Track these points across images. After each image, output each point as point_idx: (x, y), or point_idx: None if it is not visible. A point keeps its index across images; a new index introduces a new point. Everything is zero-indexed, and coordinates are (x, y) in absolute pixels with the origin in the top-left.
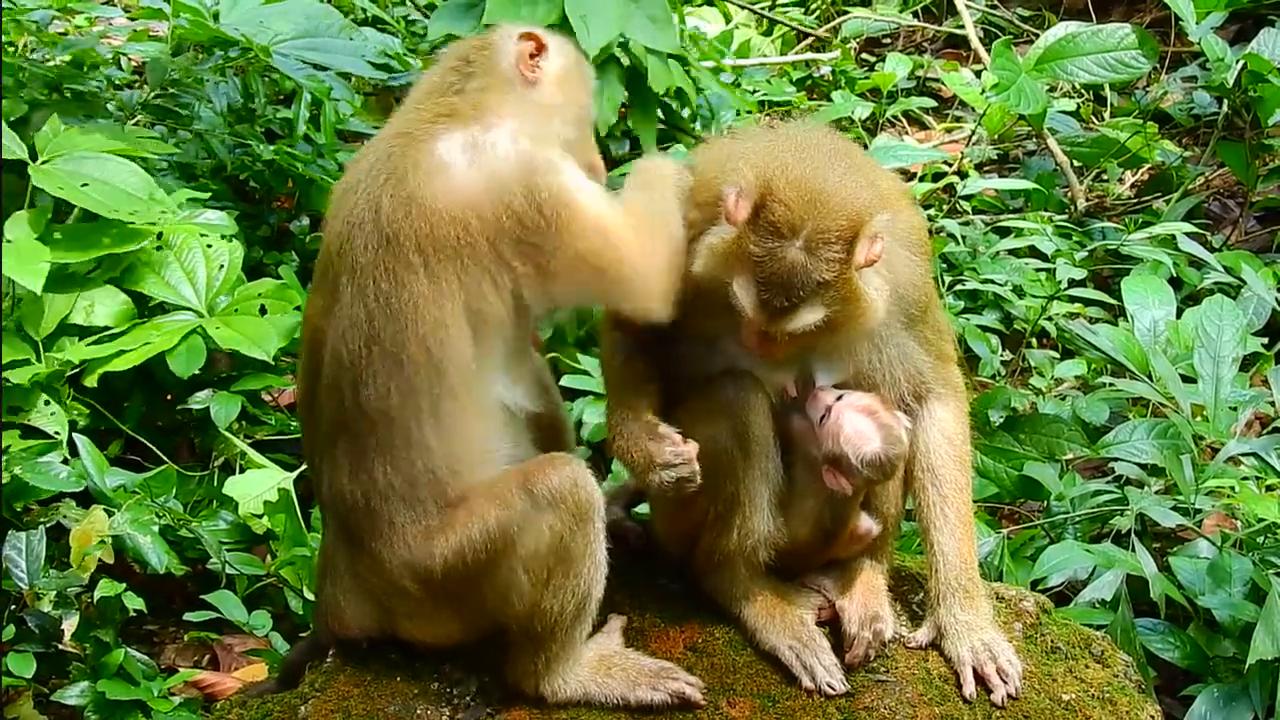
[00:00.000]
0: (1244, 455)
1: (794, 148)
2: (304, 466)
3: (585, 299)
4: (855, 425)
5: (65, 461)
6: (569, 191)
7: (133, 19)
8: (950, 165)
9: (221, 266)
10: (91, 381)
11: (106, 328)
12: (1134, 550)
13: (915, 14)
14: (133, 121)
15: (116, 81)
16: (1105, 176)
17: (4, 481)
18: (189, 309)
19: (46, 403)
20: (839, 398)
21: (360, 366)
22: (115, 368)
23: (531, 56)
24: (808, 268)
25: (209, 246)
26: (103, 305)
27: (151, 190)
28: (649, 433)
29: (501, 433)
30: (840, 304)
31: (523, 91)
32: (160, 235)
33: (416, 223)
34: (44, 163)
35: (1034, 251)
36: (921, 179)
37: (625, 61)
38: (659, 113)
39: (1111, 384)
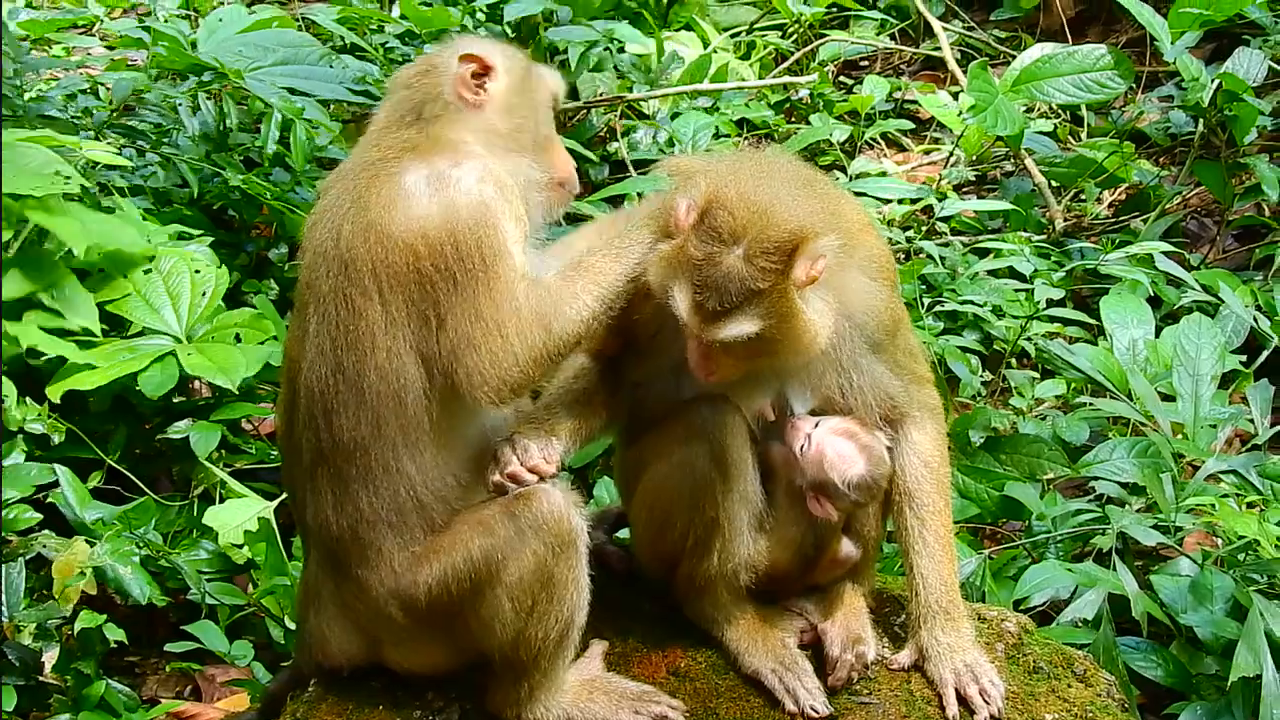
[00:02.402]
0: (1224, 473)
1: (754, 167)
2: (284, 495)
3: (449, 361)
4: (837, 449)
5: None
6: (505, 252)
7: (110, 48)
8: (929, 186)
9: (204, 294)
10: (55, 395)
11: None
12: (1115, 569)
13: (892, 37)
14: (106, 142)
15: (94, 110)
16: (1083, 196)
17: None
18: (166, 334)
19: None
20: (817, 424)
21: (330, 396)
22: (83, 385)
23: (476, 77)
24: (744, 274)
25: (197, 273)
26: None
27: (58, 167)
28: (518, 444)
29: (486, 454)
30: (775, 319)
31: (473, 117)
32: (152, 259)
33: (374, 248)
34: None
35: (1013, 272)
36: (900, 201)
37: None
38: None
39: (1091, 403)
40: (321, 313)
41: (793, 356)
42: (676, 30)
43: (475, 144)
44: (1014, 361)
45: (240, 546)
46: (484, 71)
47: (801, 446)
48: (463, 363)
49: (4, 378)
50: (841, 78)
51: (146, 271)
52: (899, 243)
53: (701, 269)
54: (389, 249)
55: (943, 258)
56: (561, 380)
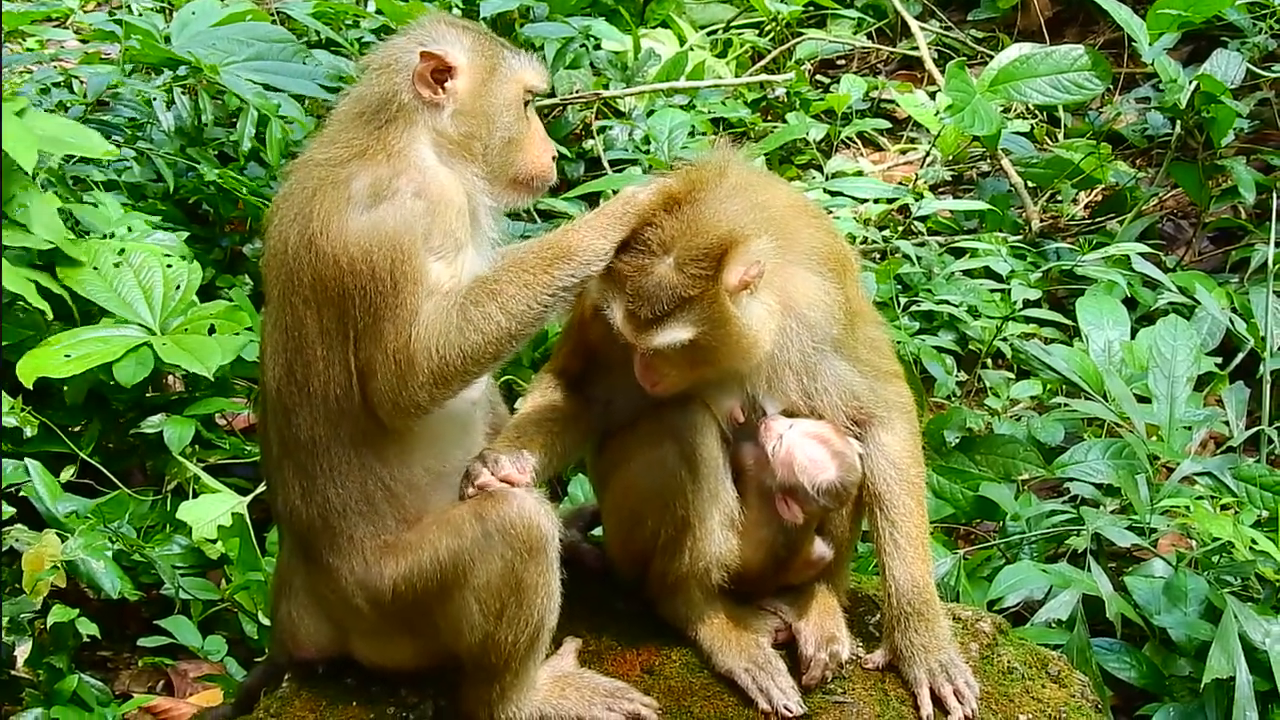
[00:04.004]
0: (1198, 475)
1: (685, 173)
2: (259, 489)
3: (360, 380)
4: (808, 454)
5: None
6: (415, 276)
7: (84, 41)
8: (905, 186)
9: (178, 287)
10: (28, 378)
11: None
12: (1090, 570)
13: (869, 36)
14: None
15: (69, 104)
16: (1059, 197)
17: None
18: (139, 324)
19: None
20: (790, 426)
21: (286, 396)
22: (56, 374)
23: (436, 74)
24: (673, 282)
25: (169, 267)
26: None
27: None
28: (489, 458)
29: (455, 442)
30: (709, 326)
31: (430, 117)
32: (122, 252)
33: (313, 260)
34: None
35: (989, 272)
36: (876, 200)
37: None
38: None
39: (1066, 404)
40: (274, 317)
41: (735, 363)
42: (653, 27)
43: (424, 151)
44: (989, 362)
45: (214, 541)
46: (445, 69)
47: (773, 448)
48: (367, 384)
49: None
50: (818, 76)
51: (116, 265)
52: (875, 242)
53: (633, 280)
54: (324, 263)
55: (919, 257)
56: (530, 402)
